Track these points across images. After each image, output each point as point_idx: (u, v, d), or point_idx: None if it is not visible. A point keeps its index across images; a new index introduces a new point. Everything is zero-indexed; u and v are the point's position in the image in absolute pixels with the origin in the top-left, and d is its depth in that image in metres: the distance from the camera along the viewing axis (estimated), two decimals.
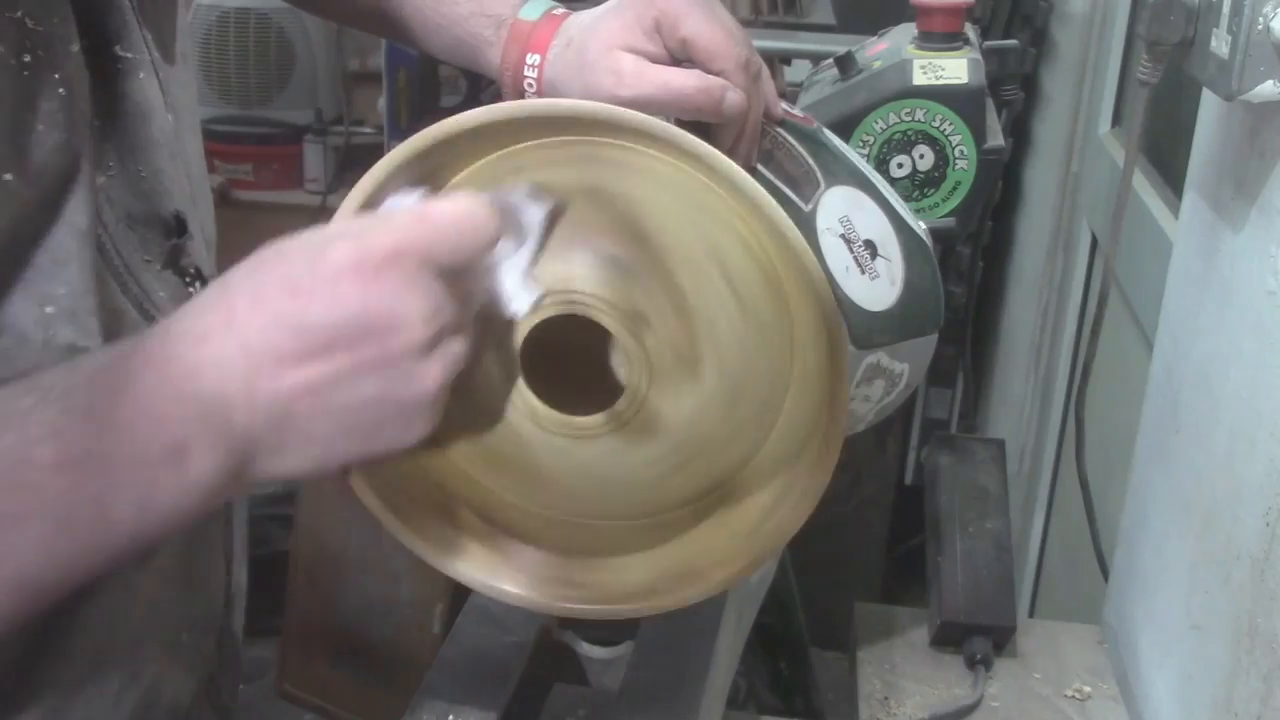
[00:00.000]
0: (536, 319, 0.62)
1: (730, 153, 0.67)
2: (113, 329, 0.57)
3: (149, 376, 0.49)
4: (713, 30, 0.67)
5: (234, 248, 0.54)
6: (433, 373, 0.52)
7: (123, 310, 0.59)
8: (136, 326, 0.60)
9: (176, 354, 0.49)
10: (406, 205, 0.56)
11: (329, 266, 0.50)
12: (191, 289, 0.65)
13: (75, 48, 0.54)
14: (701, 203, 0.62)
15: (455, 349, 0.54)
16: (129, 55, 0.60)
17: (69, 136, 0.53)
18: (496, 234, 0.55)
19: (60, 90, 0.52)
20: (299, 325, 0.50)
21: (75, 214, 0.54)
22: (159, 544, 0.51)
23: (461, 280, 0.54)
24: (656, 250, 0.63)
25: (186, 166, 0.66)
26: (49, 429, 0.46)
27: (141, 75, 0.61)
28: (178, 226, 0.64)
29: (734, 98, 0.67)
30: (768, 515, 0.68)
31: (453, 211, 0.53)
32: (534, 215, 0.60)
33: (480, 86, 2.28)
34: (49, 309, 0.54)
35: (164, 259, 0.63)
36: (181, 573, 0.67)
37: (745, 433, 0.67)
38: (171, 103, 0.65)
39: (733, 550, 0.69)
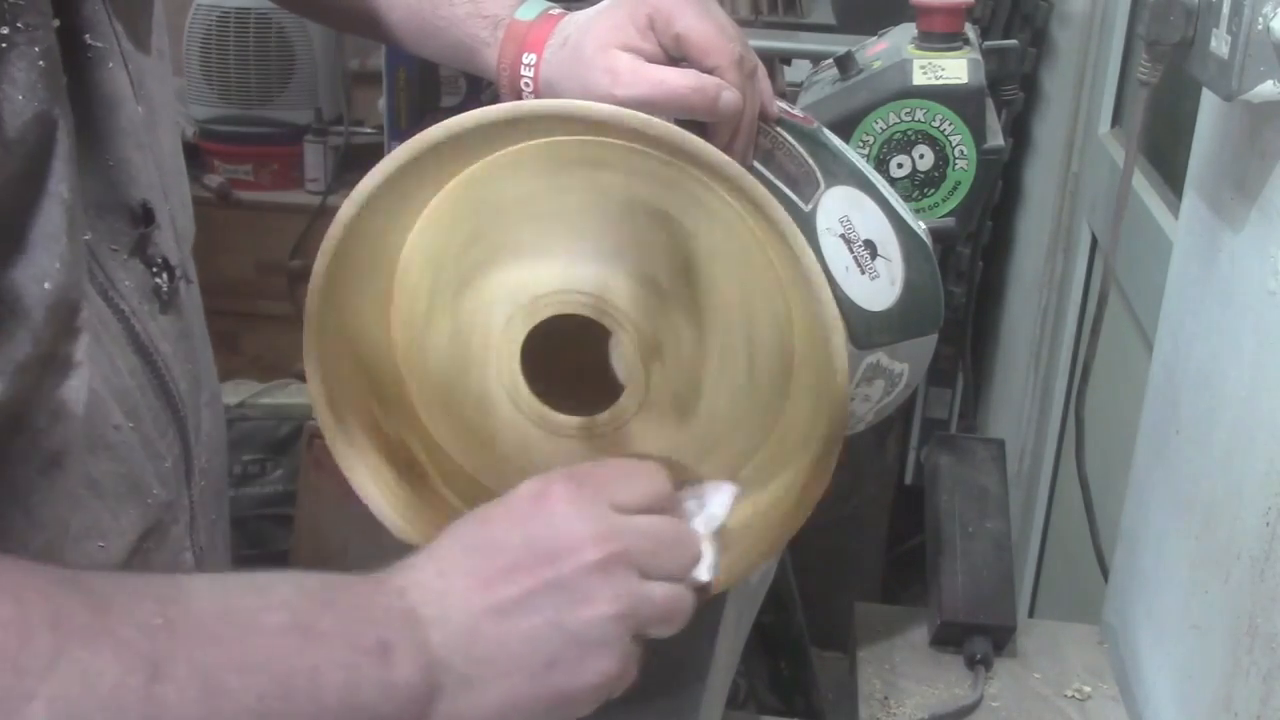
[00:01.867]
0: (553, 312, 0.63)
1: (726, 150, 0.68)
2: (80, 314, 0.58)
3: (364, 588, 0.54)
4: (706, 27, 0.68)
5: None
6: (604, 595, 0.55)
7: (89, 296, 0.60)
8: (101, 315, 0.61)
9: (385, 577, 0.55)
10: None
11: (515, 498, 0.58)
12: (159, 279, 0.66)
13: (56, 23, 0.55)
14: (754, 265, 0.63)
15: (637, 592, 0.57)
16: (99, 45, 0.60)
17: (49, 108, 0.53)
18: (669, 483, 0.61)
19: (40, 63, 0.53)
20: (485, 546, 0.56)
21: (59, 185, 0.54)
22: None
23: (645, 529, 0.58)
24: (698, 294, 0.63)
25: (158, 159, 0.67)
26: (282, 600, 0.51)
27: (111, 65, 0.61)
28: (145, 216, 0.64)
29: (729, 96, 0.67)
30: (767, 517, 0.68)
31: (629, 459, 0.62)
32: (720, 497, 0.64)
33: (480, 87, 2.28)
34: (47, 285, 0.54)
35: (130, 248, 0.64)
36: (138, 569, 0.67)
37: (728, 456, 0.67)
38: (144, 95, 0.65)
39: (732, 550, 0.69)
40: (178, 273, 0.68)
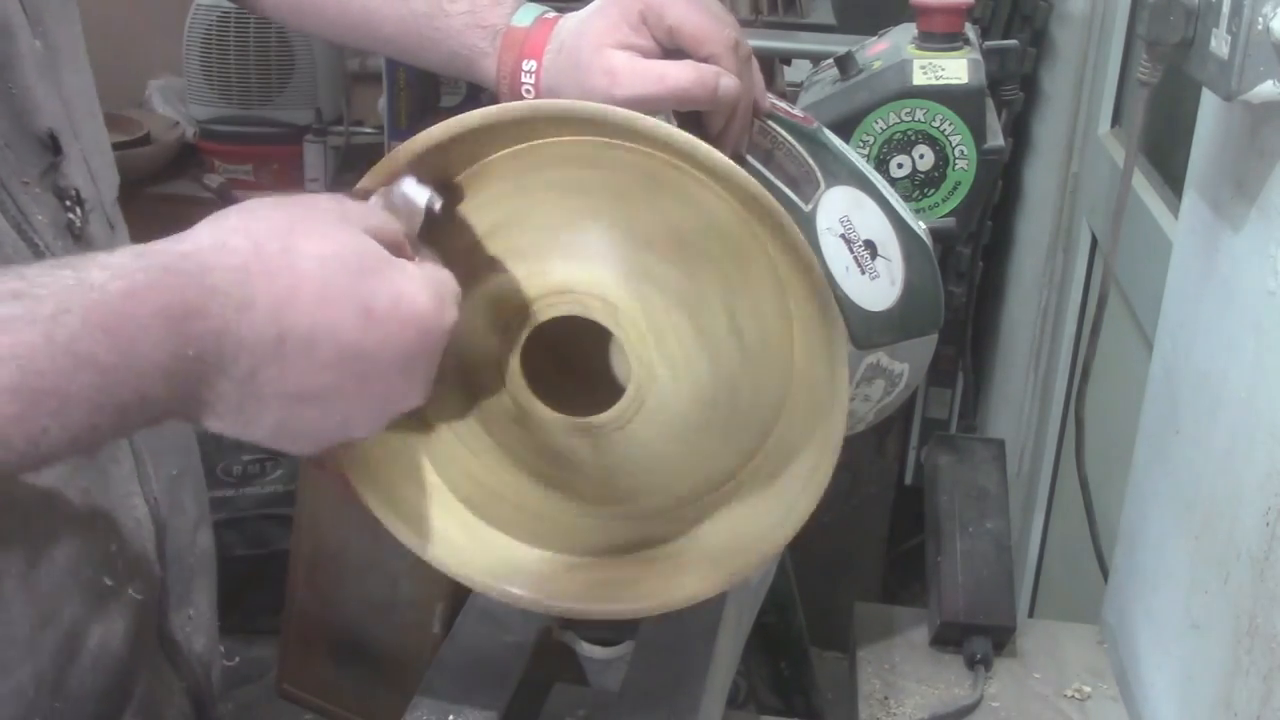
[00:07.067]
0: (555, 314, 0.63)
1: (723, 135, 0.68)
2: None
3: (155, 330, 0.48)
4: (699, 16, 0.68)
5: None
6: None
7: (1, 231, 0.60)
8: (16, 248, 0.61)
9: (213, 311, 0.49)
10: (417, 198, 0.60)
11: (405, 309, 0.53)
12: (71, 214, 0.66)
13: None
14: (754, 265, 0.63)
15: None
16: None
17: None
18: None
19: None
20: (347, 349, 0.52)
21: None
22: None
23: None
24: (699, 295, 0.63)
25: (63, 96, 0.67)
26: (12, 351, 0.45)
27: None
28: (52, 145, 0.65)
29: (728, 83, 0.67)
30: (766, 516, 0.68)
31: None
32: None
33: (480, 88, 2.28)
34: None
35: (39, 178, 0.64)
36: (80, 509, 0.66)
37: (730, 448, 0.67)
38: (42, 31, 0.66)
39: (731, 552, 0.69)
40: (88, 205, 0.68)
